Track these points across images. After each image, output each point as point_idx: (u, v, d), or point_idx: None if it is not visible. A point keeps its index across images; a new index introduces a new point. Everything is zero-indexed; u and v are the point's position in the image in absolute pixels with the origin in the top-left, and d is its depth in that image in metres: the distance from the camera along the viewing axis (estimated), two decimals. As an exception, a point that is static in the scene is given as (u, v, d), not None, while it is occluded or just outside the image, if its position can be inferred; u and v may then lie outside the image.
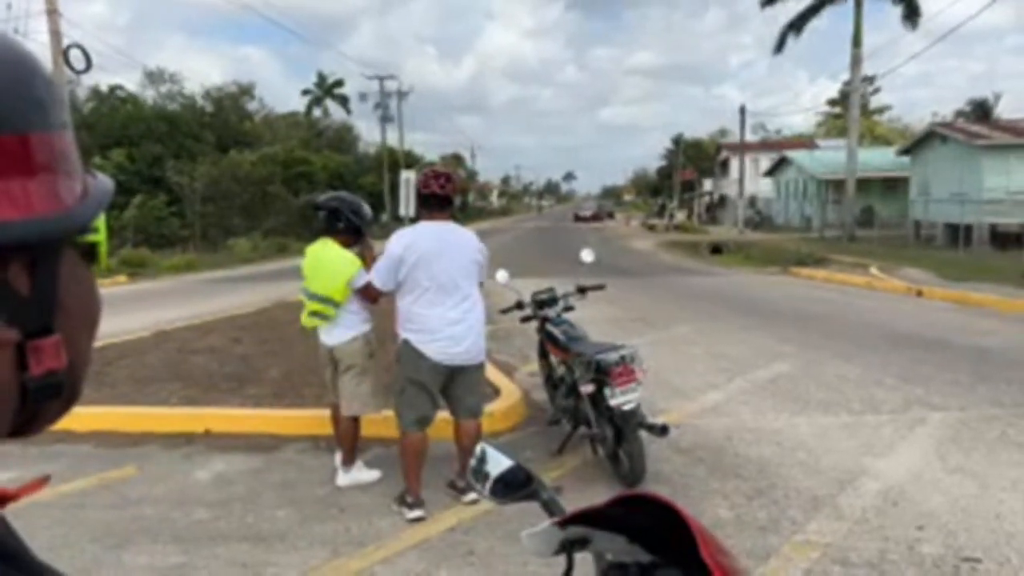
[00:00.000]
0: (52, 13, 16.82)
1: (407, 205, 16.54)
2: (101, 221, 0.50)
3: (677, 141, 59.13)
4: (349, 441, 4.19)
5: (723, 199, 48.61)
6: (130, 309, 12.31)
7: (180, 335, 8.45)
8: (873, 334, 8.47)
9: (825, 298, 11.91)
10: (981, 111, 42.16)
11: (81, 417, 5.36)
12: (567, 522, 1.05)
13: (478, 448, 1.42)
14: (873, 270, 15.06)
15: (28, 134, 0.44)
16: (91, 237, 0.50)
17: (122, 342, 8.10)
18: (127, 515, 3.82)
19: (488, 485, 1.35)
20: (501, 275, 4.93)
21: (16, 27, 18.54)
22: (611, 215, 60.50)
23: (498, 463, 1.36)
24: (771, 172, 41.75)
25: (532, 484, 1.26)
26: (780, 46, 26.93)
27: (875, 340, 8.11)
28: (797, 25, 26.16)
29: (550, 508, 1.22)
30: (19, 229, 0.42)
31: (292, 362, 6.67)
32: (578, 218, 56.45)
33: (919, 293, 11.88)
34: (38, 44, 17.82)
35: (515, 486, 1.29)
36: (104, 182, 0.51)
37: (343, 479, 4.17)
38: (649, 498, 1.00)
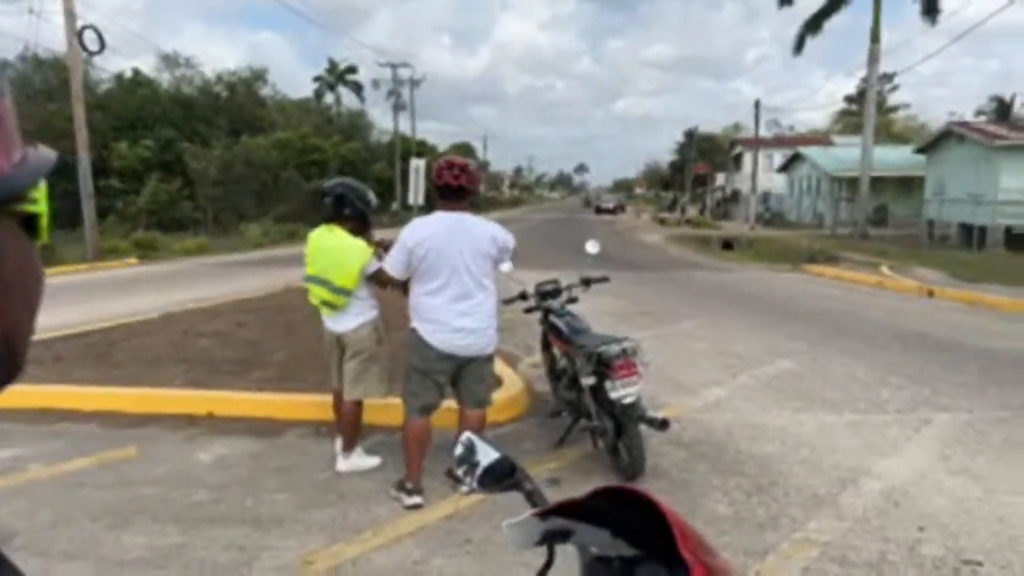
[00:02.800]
0: (67, -6, 16.83)
1: (416, 193, 16.52)
2: (42, 192, 0.49)
3: (690, 135, 58.69)
4: (351, 427, 4.19)
5: (735, 194, 48.31)
6: (140, 291, 12.39)
7: (187, 318, 8.48)
8: (882, 333, 8.40)
9: (835, 296, 11.81)
10: (1001, 109, 41.63)
11: (86, 397, 5.41)
12: (548, 513, 1.03)
13: (464, 437, 1.41)
14: (884, 269, 14.92)
15: None
16: (31, 207, 0.48)
17: (129, 323, 8.15)
18: (127, 495, 3.84)
19: (477, 474, 1.34)
20: (505, 265, 4.90)
21: (31, 7, 18.63)
22: (623, 208, 60.35)
23: (486, 454, 1.35)
24: (784, 168, 41.45)
25: (515, 475, 1.25)
26: (799, 47, 26.55)
27: (884, 339, 8.03)
28: (814, 24, 25.81)
29: (533, 499, 1.21)
30: None
31: (297, 347, 6.68)
32: (599, 210, 56.41)
33: (930, 293, 11.76)
34: (52, 25, 17.91)
35: (499, 476, 1.28)
36: (45, 153, 0.49)
37: (343, 465, 4.18)
38: (629, 492, 0.98)
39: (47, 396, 5.32)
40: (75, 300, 10.57)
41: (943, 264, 15.41)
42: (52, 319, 8.03)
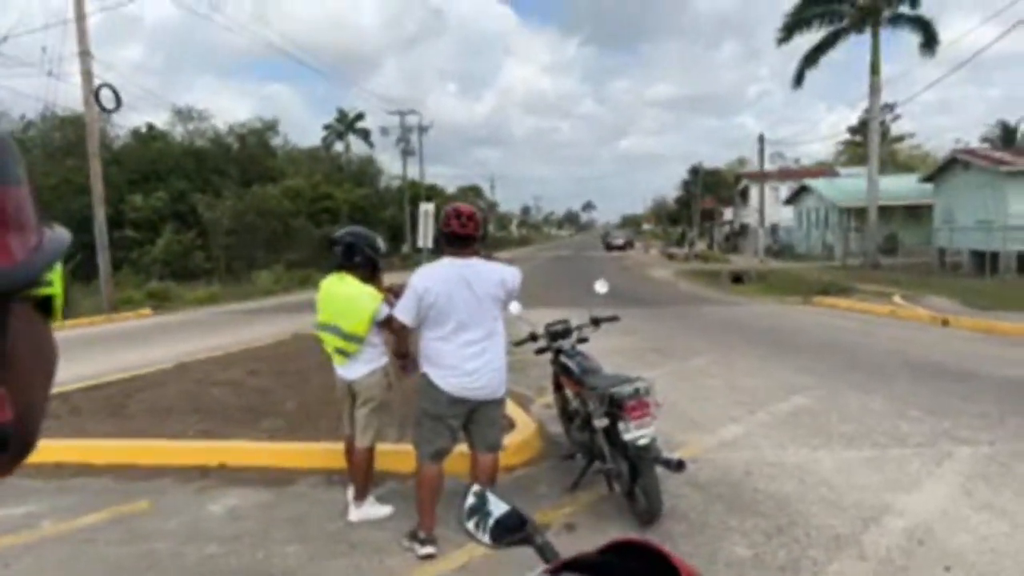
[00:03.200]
0: (84, 55, 17.39)
1: (425, 237, 16.68)
2: (57, 274, 0.50)
3: (695, 170, 59.08)
4: (363, 475, 4.16)
5: (743, 228, 48.38)
6: (154, 341, 12.47)
7: (200, 367, 8.52)
8: (897, 364, 8.30)
9: (848, 328, 11.71)
10: (1007, 135, 41.77)
11: (99, 450, 5.42)
12: (560, 569, 1.03)
13: (476, 488, 1.41)
14: (897, 299, 14.80)
15: None
16: (46, 290, 0.49)
17: (143, 374, 8.19)
18: (138, 550, 3.81)
19: (488, 526, 1.33)
20: (514, 307, 4.91)
21: (50, 70, 19.25)
22: (632, 244, 60.65)
23: (497, 506, 1.34)
24: (791, 200, 41.54)
25: (526, 528, 1.24)
26: (799, 80, 26.93)
27: (900, 371, 7.93)
28: (812, 58, 26.20)
29: (544, 553, 1.20)
30: None
31: (308, 394, 6.68)
32: (609, 247, 57.01)
33: (945, 322, 11.64)
34: (71, 85, 18.45)
35: (509, 529, 1.27)
36: (60, 235, 0.50)
37: (355, 514, 4.14)
38: (642, 545, 0.98)
39: (62, 450, 5.33)
40: (92, 352, 10.65)
41: (956, 292, 15.28)
42: (70, 372, 8.08)
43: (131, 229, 27.41)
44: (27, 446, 0.51)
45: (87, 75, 17.55)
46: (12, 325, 0.46)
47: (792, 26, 25.79)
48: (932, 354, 8.94)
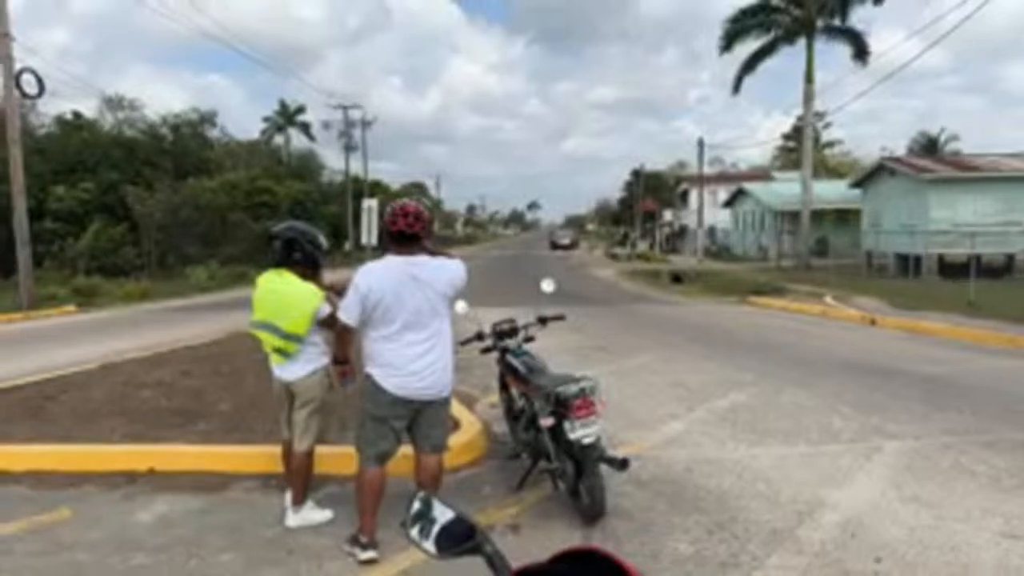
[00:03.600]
0: (3, 36, 16.39)
1: (369, 233, 16.43)
2: None
3: (637, 173, 60.14)
4: (301, 479, 4.02)
5: (683, 229, 49.50)
6: (79, 340, 11.85)
7: (128, 368, 8.13)
8: (829, 362, 8.60)
9: (782, 327, 12.10)
10: (929, 145, 44.04)
11: (15, 456, 5.09)
12: None
13: (421, 494, 1.35)
14: (828, 299, 15.39)
15: None
16: None
17: (66, 375, 7.76)
18: (59, 561, 3.58)
19: (433, 533, 1.27)
20: (460, 305, 4.85)
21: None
22: (576, 244, 61.21)
23: (442, 512, 1.28)
24: (729, 203, 42.73)
25: (476, 537, 1.19)
26: (737, 87, 27.83)
27: (831, 369, 8.23)
28: (750, 65, 27.09)
29: (494, 563, 1.15)
30: None
31: (243, 396, 6.46)
32: (555, 246, 56.71)
33: (872, 322, 12.16)
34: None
35: (456, 538, 1.22)
36: None
37: (293, 519, 4.00)
38: (594, 553, 0.95)
39: (-28, 457, 4.99)
40: (8, 352, 10.05)
41: (882, 293, 15.99)
42: (-20, 373, 7.57)
43: (52, 220, 26.01)
44: None
45: (7, 58, 16.55)
46: None
47: (732, 35, 26.57)
48: (861, 353, 9.31)
